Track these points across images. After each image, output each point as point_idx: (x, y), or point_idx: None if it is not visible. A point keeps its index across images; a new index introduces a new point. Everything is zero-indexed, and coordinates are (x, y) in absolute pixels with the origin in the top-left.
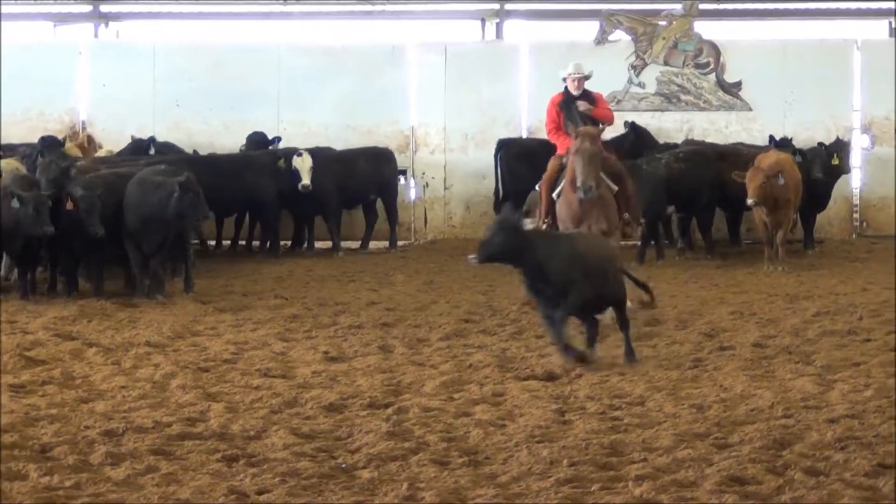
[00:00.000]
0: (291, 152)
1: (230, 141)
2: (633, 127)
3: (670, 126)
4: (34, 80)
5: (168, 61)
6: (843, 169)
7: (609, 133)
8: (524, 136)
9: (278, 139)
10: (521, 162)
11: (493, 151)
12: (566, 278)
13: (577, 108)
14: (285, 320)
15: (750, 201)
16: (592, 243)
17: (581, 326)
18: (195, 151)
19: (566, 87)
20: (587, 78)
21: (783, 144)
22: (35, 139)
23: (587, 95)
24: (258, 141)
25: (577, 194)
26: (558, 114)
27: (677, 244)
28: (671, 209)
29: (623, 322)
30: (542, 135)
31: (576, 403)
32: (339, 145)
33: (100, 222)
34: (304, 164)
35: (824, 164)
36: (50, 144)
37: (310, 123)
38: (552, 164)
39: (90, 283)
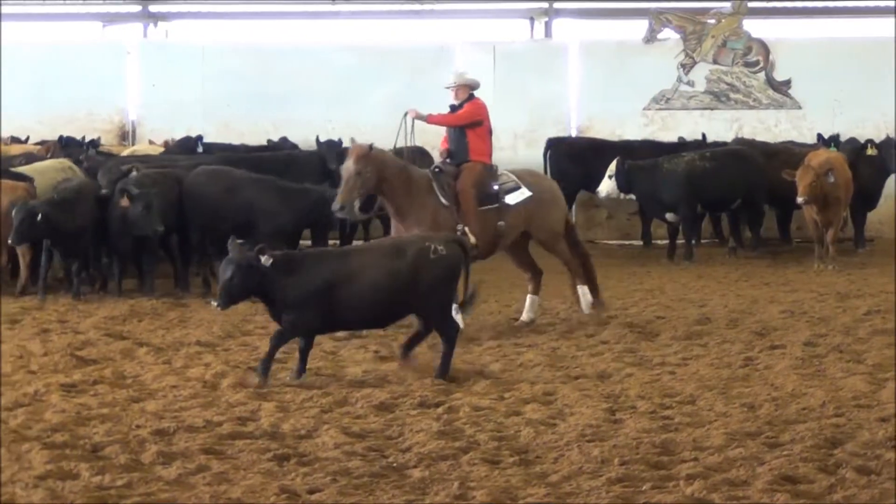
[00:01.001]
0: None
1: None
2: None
3: (720, 125)
4: (83, 80)
5: (217, 61)
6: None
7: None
8: (573, 135)
9: (200, 138)
10: (570, 161)
11: (542, 150)
12: (299, 301)
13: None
14: None
15: (800, 199)
16: (376, 257)
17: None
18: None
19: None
20: (471, 87)
21: (831, 142)
22: (84, 139)
23: (466, 102)
24: (185, 144)
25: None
26: None
27: (728, 243)
28: (670, 216)
29: (441, 334)
30: (593, 133)
31: (626, 402)
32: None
33: (159, 220)
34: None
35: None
36: (67, 144)
37: (357, 123)
38: None
39: (141, 282)
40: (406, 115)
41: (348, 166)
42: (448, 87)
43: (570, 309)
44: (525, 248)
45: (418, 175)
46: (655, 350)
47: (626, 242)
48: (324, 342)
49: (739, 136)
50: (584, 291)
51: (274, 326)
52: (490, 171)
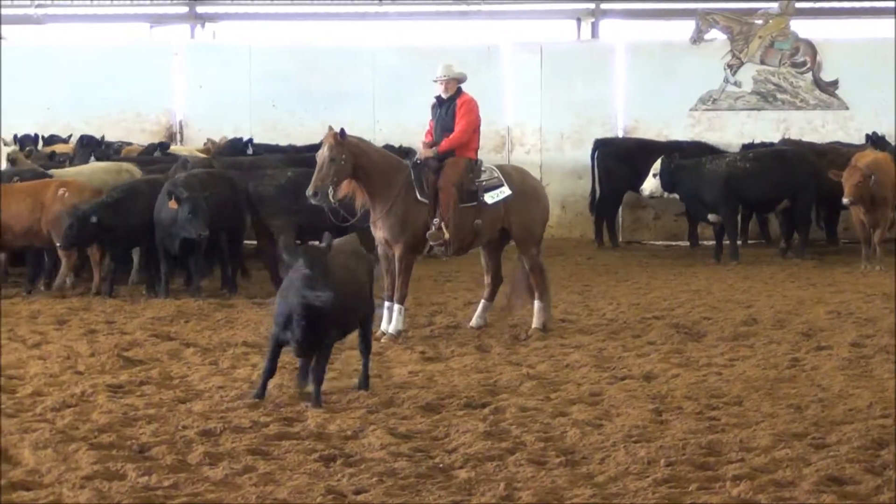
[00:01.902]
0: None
1: None
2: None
3: (767, 125)
4: (130, 81)
5: (264, 62)
6: None
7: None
8: (620, 135)
9: (251, 140)
10: (617, 162)
11: (589, 151)
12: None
13: (440, 116)
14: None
15: (846, 200)
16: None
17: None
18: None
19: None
20: (460, 80)
21: (879, 142)
22: (132, 140)
23: (455, 97)
24: (235, 146)
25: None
26: (431, 120)
27: (780, 244)
28: (712, 216)
29: (366, 344)
30: (639, 134)
31: (673, 403)
32: None
33: (205, 223)
34: None
35: None
36: (87, 143)
37: (406, 123)
38: None
39: (188, 283)
40: (416, 161)
41: (322, 152)
42: (437, 80)
43: (616, 310)
44: (499, 249)
45: (399, 166)
46: (702, 351)
47: (673, 243)
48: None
49: (786, 136)
50: (540, 307)
51: None
52: (473, 168)
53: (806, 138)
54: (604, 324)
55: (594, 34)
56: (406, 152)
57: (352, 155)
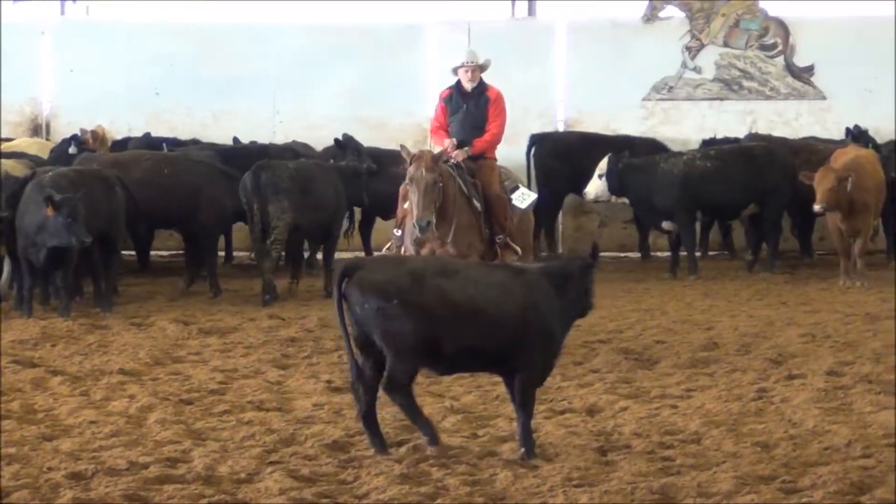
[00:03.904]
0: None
1: (219, 135)
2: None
3: (731, 117)
4: None
5: (146, 43)
6: None
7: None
8: (560, 129)
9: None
10: (556, 160)
11: (524, 147)
12: None
13: (466, 110)
14: (281, 344)
15: (817, 207)
16: None
17: None
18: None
19: (458, 81)
20: (483, 69)
21: (860, 138)
22: None
23: (482, 90)
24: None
25: (415, 231)
26: (443, 111)
27: (746, 256)
28: (668, 224)
29: None
30: (583, 127)
31: (620, 441)
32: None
33: (86, 229)
34: None
35: None
36: None
37: (311, 115)
38: (401, 190)
39: (59, 300)
40: (450, 162)
41: (422, 175)
42: (460, 67)
43: None
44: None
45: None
46: (654, 380)
47: (622, 255)
48: (268, 371)
49: (754, 130)
50: None
51: (210, 353)
52: (500, 169)
53: (776, 133)
54: None
55: (531, 12)
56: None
57: (446, 176)
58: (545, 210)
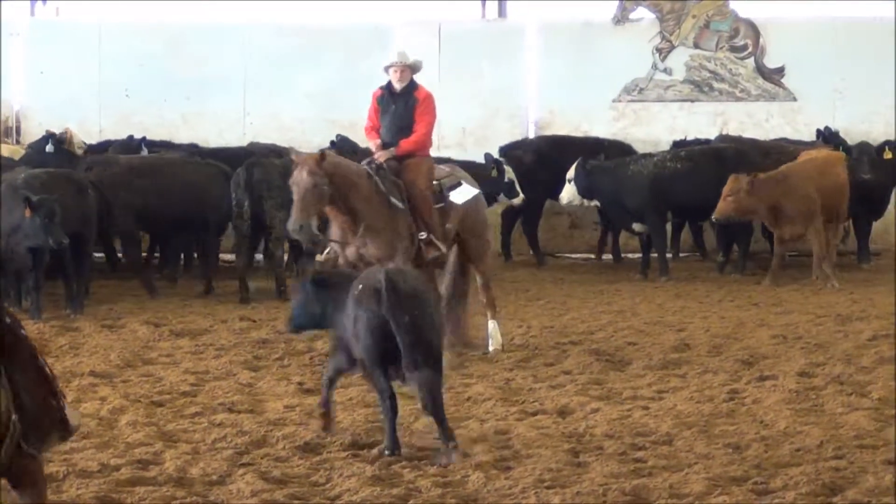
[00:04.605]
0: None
1: (188, 136)
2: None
3: (702, 119)
4: None
5: (115, 43)
6: None
7: None
8: (531, 130)
9: (144, 139)
10: (536, 166)
11: (495, 148)
12: None
13: (394, 111)
14: (253, 346)
15: (713, 217)
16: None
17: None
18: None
19: (389, 81)
20: (414, 69)
21: (831, 139)
22: None
23: (412, 90)
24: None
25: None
26: (375, 111)
27: (718, 257)
28: (637, 226)
29: None
30: (554, 129)
31: (592, 442)
32: (315, 142)
33: (62, 231)
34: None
35: (872, 161)
36: None
37: (281, 116)
38: None
39: (29, 301)
40: (372, 164)
41: (302, 179)
42: (389, 68)
43: (526, 334)
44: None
45: (366, 174)
46: (626, 382)
47: (592, 256)
48: (239, 373)
49: (724, 132)
50: (494, 326)
51: (182, 355)
52: (433, 166)
53: (747, 134)
54: (511, 350)
55: (501, 13)
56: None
57: (331, 176)
58: (528, 216)
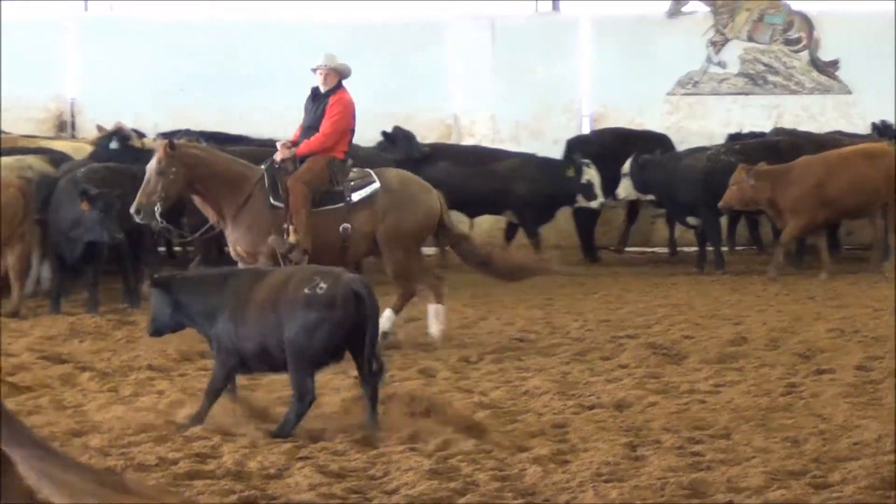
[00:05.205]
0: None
1: (242, 131)
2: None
3: (756, 112)
4: (14, 61)
5: (170, 39)
6: None
7: None
8: (587, 124)
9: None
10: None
11: (549, 142)
12: None
13: (312, 112)
14: None
15: (719, 205)
16: None
17: None
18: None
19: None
20: (342, 74)
21: (885, 132)
22: (15, 130)
23: (331, 93)
24: None
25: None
26: (305, 111)
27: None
28: (692, 219)
29: None
30: (607, 124)
31: (650, 436)
32: (370, 135)
33: (119, 226)
34: (596, 177)
35: None
36: None
37: None
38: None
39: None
40: (272, 164)
41: (151, 165)
42: (315, 70)
43: (582, 328)
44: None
45: (248, 172)
46: (683, 375)
47: (649, 249)
48: None
49: (779, 125)
50: (437, 311)
51: None
52: (338, 167)
53: (802, 127)
54: (568, 344)
55: (555, 7)
56: None
57: (185, 167)
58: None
